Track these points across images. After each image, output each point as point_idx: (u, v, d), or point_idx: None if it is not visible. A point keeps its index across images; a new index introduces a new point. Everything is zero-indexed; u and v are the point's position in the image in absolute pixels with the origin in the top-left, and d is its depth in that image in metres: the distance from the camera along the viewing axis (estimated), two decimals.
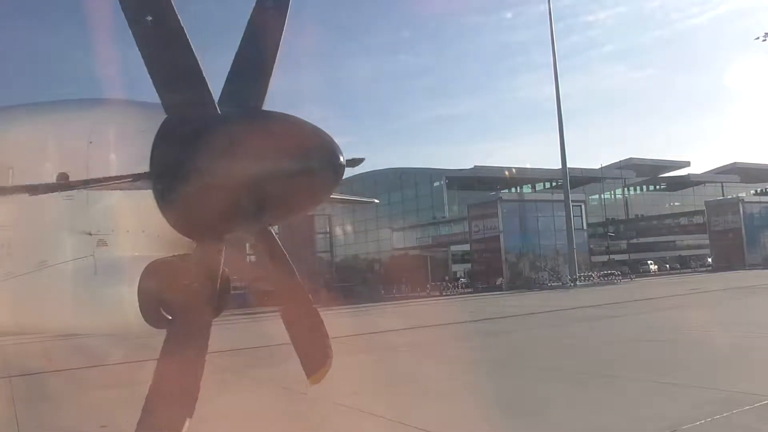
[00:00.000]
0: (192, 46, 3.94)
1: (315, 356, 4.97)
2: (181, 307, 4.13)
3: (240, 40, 4.62)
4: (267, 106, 4.41)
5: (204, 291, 4.12)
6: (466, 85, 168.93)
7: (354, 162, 4.34)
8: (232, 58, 4.57)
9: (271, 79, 4.50)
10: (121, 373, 14.23)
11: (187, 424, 3.83)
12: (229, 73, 4.49)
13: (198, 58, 3.96)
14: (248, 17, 4.69)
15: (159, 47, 3.97)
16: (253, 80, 4.46)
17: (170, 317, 4.20)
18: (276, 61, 4.50)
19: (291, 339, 4.91)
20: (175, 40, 3.93)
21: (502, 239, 60.39)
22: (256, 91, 4.42)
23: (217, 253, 4.26)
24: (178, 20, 3.88)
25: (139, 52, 3.91)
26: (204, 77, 4.01)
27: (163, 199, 4.04)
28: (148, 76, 3.93)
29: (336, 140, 4.00)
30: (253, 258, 4.89)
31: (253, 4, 4.71)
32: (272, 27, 4.56)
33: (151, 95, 4.06)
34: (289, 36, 4.69)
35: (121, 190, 4.10)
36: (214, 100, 4.09)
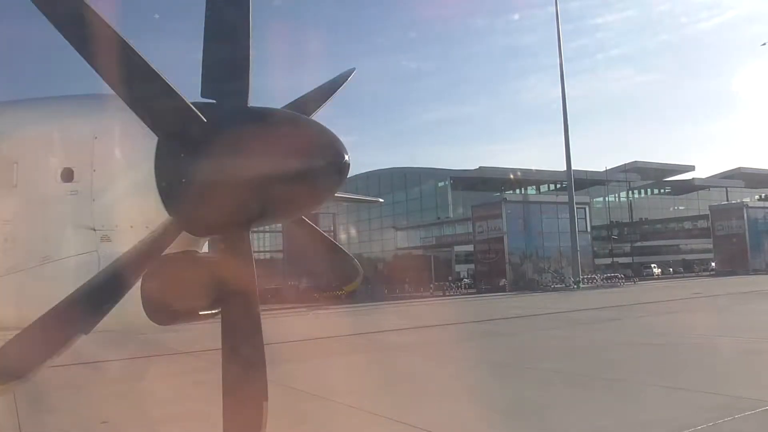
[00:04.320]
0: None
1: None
2: (234, 298, 4.15)
3: (204, 31, 4.56)
4: (272, 104, 4.40)
5: (206, 289, 4.12)
6: (472, 86, 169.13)
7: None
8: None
9: (251, 76, 4.48)
10: (123, 369, 14.27)
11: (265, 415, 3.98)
12: (203, 66, 4.45)
13: (157, 70, 3.84)
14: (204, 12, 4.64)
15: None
16: (233, 74, 4.45)
17: (219, 309, 4.24)
18: (250, 56, 4.49)
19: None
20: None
21: (505, 240, 60.39)
22: (238, 89, 4.41)
23: (221, 251, 4.25)
24: (122, 39, 3.61)
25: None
26: (174, 90, 3.91)
27: (167, 196, 4.03)
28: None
29: (341, 139, 4.00)
30: (255, 257, 4.87)
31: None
32: (235, 21, 4.55)
33: None
34: (296, 36, 4.68)
35: (125, 185, 4.11)
36: (196, 113, 4.04)
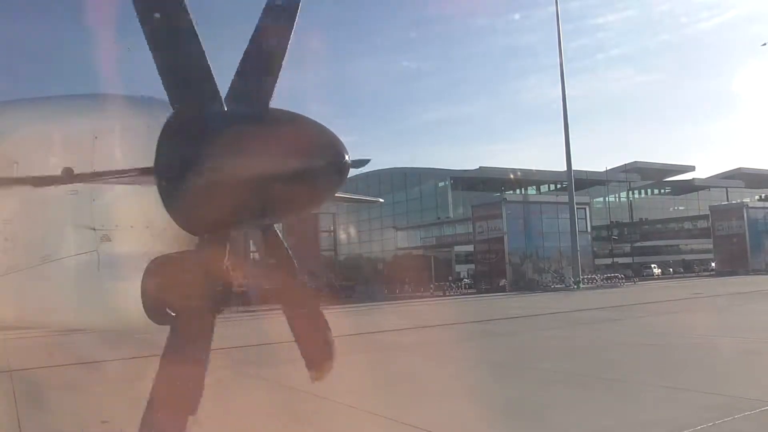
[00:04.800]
0: (201, 43, 3.95)
1: (317, 354, 4.90)
2: (184, 304, 4.13)
3: (250, 38, 4.61)
4: (273, 104, 4.40)
5: (207, 288, 4.12)
6: (472, 86, 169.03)
7: (359, 163, 4.35)
8: (241, 55, 4.56)
9: (279, 78, 4.48)
10: (123, 368, 14.25)
11: (189, 422, 3.81)
12: (237, 70, 4.47)
13: (206, 55, 3.96)
14: (258, 15, 4.67)
15: (168, 44, 3.97)
16: (260, 78, 4.44)
17: (173, 314, 4.19)
18: (284, 60, 4.49)
19: (294, 335, 4.86)
20: (185, 37, 3.93)
21: (506, 240, 60.37)
22: (263, 89, 4.40)
23: (220, 250, 4.26)
24: (189, 16, 3.88)
25: (147, 48, 3.91)
26: (212, 74, 4.02)
27: (167, 195, 4.04)
28: (155, 71, 3.93)
29: (341, 139, 4.01)
30: (255, 255, 4.89)
31: (264, 4, 4.69)
32: (281, 26, 4.56)
33: (156, 91, 4.07)
34: (296, 35, 4.68)
35: (124, 184, 4.11)
36: (221, 97, 4.10)
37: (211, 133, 3.95)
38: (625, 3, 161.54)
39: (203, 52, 3.96)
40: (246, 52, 4.53)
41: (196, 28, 3.91)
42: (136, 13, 3.86)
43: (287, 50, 4.49)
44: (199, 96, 4.06)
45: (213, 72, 4.03)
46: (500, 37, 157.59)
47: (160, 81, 3.93)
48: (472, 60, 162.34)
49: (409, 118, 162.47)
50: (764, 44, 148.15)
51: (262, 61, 4.49)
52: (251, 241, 4.96)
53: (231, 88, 4.38)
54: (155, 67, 3.95)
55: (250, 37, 4.60)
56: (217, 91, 4.08)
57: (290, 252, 4.84)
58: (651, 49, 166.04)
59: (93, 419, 9.36)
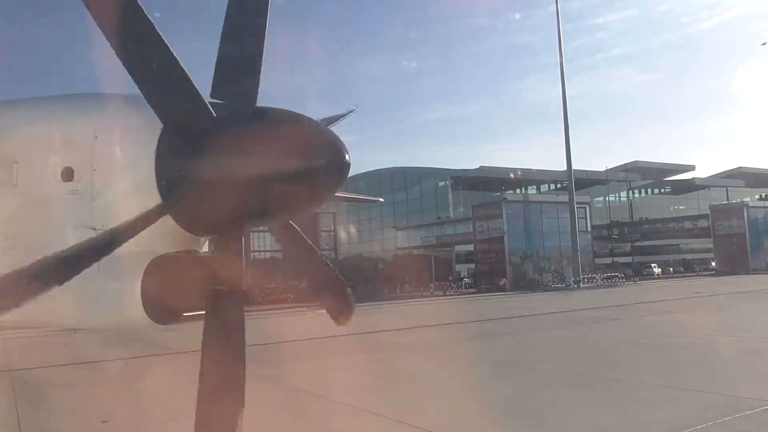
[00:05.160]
0: (169, 47, 3.81)
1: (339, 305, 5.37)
2: (216, 300, 4.14)
3: (221, 34, 4.57)
4: (273, 104, 4.40)
5: (206, 288, 4.12)
6: (472, 85, 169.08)
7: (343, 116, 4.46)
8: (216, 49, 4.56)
9: (265, 74, 4.49)
10: (123, 368, 14.27)
11: (241, 416, 3.87)
12: (216, 70, 4.45)
13: (178, 59, 3.84)
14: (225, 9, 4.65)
15: (136, 53, 3.83)
16: (243, 77, 4.44)
17: (203, 311, 4.21)
18: (263, 55, 4.49)
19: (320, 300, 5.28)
20: (152, 45, 3.76)
21: (506, 240, 60.45)
22: (248, 88, 4.40)
23: (220, 250, 4.25)
24: (152, 25, 3.70)
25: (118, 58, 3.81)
26: (190, 80, 3.90)
27: (168, 195, 4.03)
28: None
29: (341, 139, 4.00)
30: (254, 256, 4.91)
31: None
32: (254, 20, 4.56)
33: None
34: (296, 35, 4.69)
35: (126, 188, 4.11)
36: (206, 104, 4.00)
37: (211, 132, 3.95)
38: (626, 3, 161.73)
39: (173, 56, 3.83)
40: (221, 51, 4.51)
41: (159, 32, 3.78)
42: (99, 29, 3.68)
43: (264, 43, 4.46)
44: (183, 105, 3.97)
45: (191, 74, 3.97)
46: (500, 37, 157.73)
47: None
48: (472, 60, 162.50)
49: (409, 117, 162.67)
50: (764, 44, 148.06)
51: (242, 56, 4.48)
52: (275, 239, 5.12)
53: (213, 89, 4.38)
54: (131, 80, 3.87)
55: (222, 31, 4.60)
56: (200, 98, 3.96)
57: (312, 244, 5.00)
58: (651, 49, 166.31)
59: (93, 419, 9.36)
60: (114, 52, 3.76)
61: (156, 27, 3.71)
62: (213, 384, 3.98)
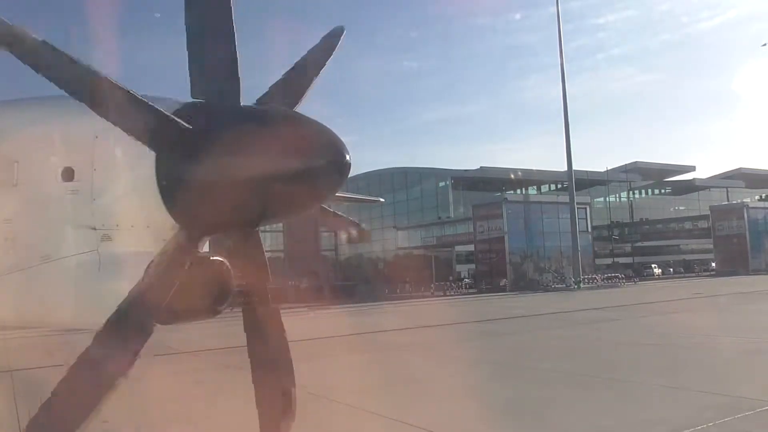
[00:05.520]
0: (236, 45, 4.11)
1: (274, 409, 4.86)
2: (200, 303, 4.21)
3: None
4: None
5: (207, 288, 4.12)
6: (473, 85, 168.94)
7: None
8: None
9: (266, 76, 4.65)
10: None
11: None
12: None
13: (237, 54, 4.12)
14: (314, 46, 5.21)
15: (207, 39, 4.23)
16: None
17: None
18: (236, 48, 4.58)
19: (253, 382, 4.78)
20: (224, 35, 4.18)
21: (506, 240, 60.41)
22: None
23: (221, 250, 4.26)
24: (232, 17, 4.17)
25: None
26: (238, 75, 4.18)
27: (168, 195, 4.03)
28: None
29: (342, 139, 4.00)
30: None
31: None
32: (326, 53, 4.94)
33: (155, 90, 4.07)
34: (296, 35, 4.75)
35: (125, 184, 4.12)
36: (239, 97, 4.23)
37: (212, 132, 3.95)
38: (626, 3, 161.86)
39: (235, 50, 4.12)
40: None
41: (235, 29, 4.08)
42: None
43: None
44: (222, 93, 4.16)
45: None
46: (501, 37, 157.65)
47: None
48: (472, 60, 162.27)
49: (409, 117, 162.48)
50: (764, 44, 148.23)
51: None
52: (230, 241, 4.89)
53: (192, 88, 4.41)
54: (187, 55, 4.22)
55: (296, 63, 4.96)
56: (239, 91, 4.22)
57: (266, 258, 4.81)
58: (651, 49, 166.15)
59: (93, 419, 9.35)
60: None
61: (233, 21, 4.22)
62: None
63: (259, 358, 4.45)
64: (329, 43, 5.38)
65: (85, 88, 3.62)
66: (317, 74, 5.04)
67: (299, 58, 5.11)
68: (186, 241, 4.13)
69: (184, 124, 3.83)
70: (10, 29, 3.37)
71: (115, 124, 3.75)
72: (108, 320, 3.88)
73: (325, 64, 5.16)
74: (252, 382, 4.40)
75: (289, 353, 4.50)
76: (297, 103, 4.70)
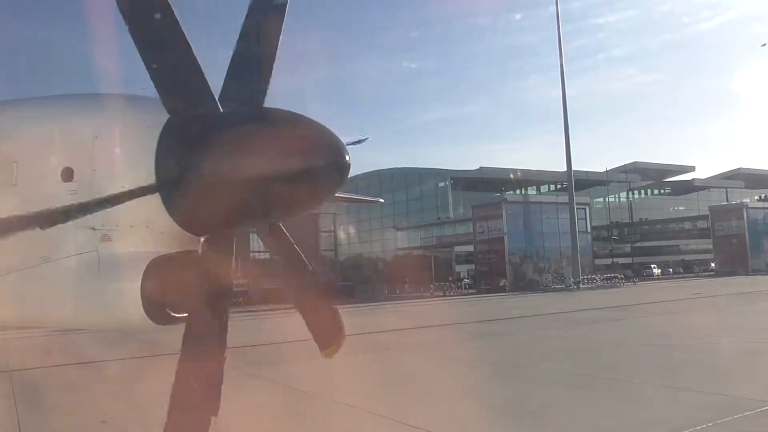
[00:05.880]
0: (190, 43, 3.91)
1: (328, 332, 5.16)
2: (195, 303, 4.13)
3: (237, 37, 4.55)
4: (273, 104, 4.39)
5: (207, 288, 4.12)
6: (473, 86, 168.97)
7: (357, 142, 4.42)
8: (230, 54, 4.52)
9: (272, 76, 4.43)
10: (123, 369, 14.27)
11: (213, 422, 3.83)
12: (228, 70, 4.43)
13: (197, 56, 3.94)
14: (244, 13, 4.60)
15: (157, 46, 3.91)
16: (253, 78, 4.40)
17: (186, 314, 4.19)
18: (276, 57, 4.45)
19: (303, 317, 4.94)
20: (173, 38, 3.87)
21: (506, 241, 60.39)
22: (257, 88, 4.37)
23: (220, 250, 4.26)
24: (175, 16, 3.85)
25: (137, 50, 3.89)
26: (203, 75, 4.00)
27: (167, 195, 4.03)
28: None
29: (341, 139, 4.00)
30: (256, 256, 4.90)
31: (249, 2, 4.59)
32: (270, 23, 4.50)
33: (155, 90, 4.06)
34: (296, 35, 4.68)
35: (129, 200, 4.10)
36: (215, 98, 4.07)
37: (212, 133, 3.95)
38: (626, 3, 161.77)
39: (192, 52, 3.93)
40: (236, 51, 4.48)
41: (182, 27, 3.88)
42: (121, 15, 3.80)
43: (278, 48, 4.44)
44: (192, 98, 4.04)
45: (205, 72, 4.00)
46: (501, 37, 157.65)
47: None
48: (472, 60, 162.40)
49: (409, 118, 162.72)
50: (764, 45, 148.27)
51: (253, 59, 4.46)
52: (260, 240, 4.96)
53: (223, 90, 4.35)
54: (145, 70, 3.91)
55: (238, 35, 4.54)
56: (210, 92, 4.05)
57: (297, 248, 4.86)
58: (652, 49, 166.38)
59: (92, 419, 9.36)
60: (133, 47, 3.83)
61: (177, 17, 3.83)
62: (188, 390, 4.01)
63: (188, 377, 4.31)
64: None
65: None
66: (276, 46, 4.48)
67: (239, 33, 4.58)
68: (188, 241, 4.13)
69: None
70: None
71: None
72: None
73: (281, 30, 4.53)
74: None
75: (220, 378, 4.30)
76: (266, 87, 4.45)
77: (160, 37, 3.89)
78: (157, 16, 3.82)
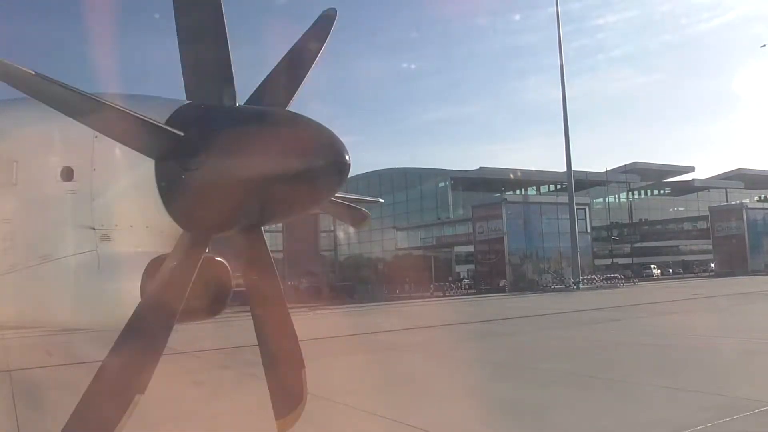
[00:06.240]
0: (228, 45, 4.07)
1: (287, 394, 5.07)
2: (196, 303, 4.19)
3: (293, 45, 4.74)
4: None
5: (206, 288, 4.12)
6: (472, 86, 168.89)
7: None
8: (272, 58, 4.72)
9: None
10: None
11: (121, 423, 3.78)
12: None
13: (230, 55, 4.10)
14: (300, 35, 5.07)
15: (197, 39, 4.16)
16: (288, 84, 4.55)
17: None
18: (307, 76, 4.61)
19: (264, 366, 4.83)
20: (216, 36, 4.11)
21: (506, 241, 60.37)
22: (286, 94, 4.50)
23: (220, 251, 4.26)
24: (223, 16, 4.10)
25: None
26: (232, 75, 4.14)
27: (167, 195, 4.03)
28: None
29: (342, 139, 4.00)
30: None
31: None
32: (321, 35, 4.80)
33: (155, 91, 4.07)
34: (296, 36, 4.73)
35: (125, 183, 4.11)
36: (236, 97, 4.20)
37: (212, 133, 3.95)
38: (626, 4, 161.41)
39: (229, 53, 4.08)
40: (287, 57, 4.65)
41: (227, 29, 4.04)
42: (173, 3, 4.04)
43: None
44: (218, 94, 4.12)
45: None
46: (501, 37, 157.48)
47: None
48: (472, 60, 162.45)
49: (409, 118, 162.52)
50: (763, 45, 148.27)
51: (295, 68, 4.60)
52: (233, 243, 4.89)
53: (257, 90, 4.47)
54: (180, 58, 4.17)
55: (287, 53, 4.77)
56: (234, 92, 4.17)
57: (271, 256, 4.80)
58: (651, 50, 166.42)
59: None
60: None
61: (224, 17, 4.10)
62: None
63: (269, 355, 4.65)
64: (321, 29, 5.28)
65: (82, 110, 3.73)
66: (311, 65, 4.96)
67: (289, 49, 5.04)
68: (192, 242, 4.13)
69: (178, 132, 3.87)
70: (5, 66, 3.37)
71: (114, 138, 3.84)
72: (126, 325, 3.91)
73: (318, 54, 5.06)
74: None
75: (298, 347, 4.76)
76: (290, 98, 4.65)
77: (206, 31, 4.06)
78: (207, 9, 4.02)
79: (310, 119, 4.07)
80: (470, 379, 12.02)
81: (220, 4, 4.17)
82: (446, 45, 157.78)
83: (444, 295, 53.28)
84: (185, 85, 4.27)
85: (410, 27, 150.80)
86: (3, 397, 11.16)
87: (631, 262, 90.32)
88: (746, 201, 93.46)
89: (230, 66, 4.25)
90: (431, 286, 56.94)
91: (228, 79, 4.26)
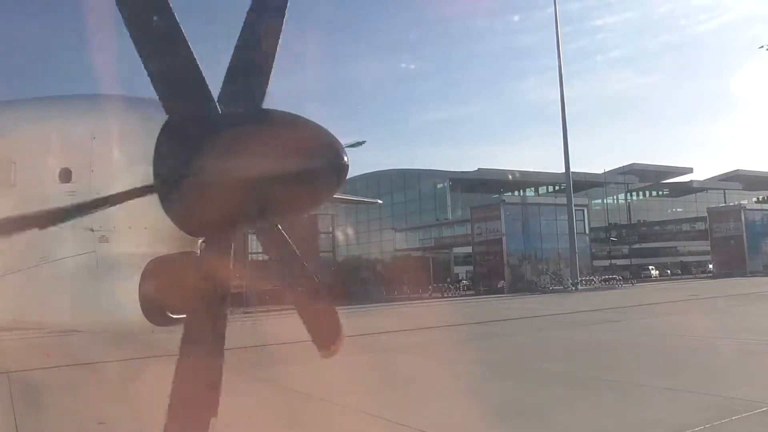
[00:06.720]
0: (189, 45, 3.92)
1: (327, 333, 5.26)
2: (193, 305, 4.12)
3: (237, 38, 4.53)
4: (272, 105, 4.38)
5: (205, 289, 4.11)
6: (471, 87, 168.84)
7: (355, 145, 4.41)
8: (230, 56, 4.50)
9: (271, 77, 4.41)
10: (121, 369, 14.24)
11: (212, 423, 3.80)
12: (227, 71, 4.41)
13: (196, 58, 3.94)
14: (245, 15, 4.57)
15: (157, 47, 3.92)
16: (252, 79, 4.38)
17: (185, 314, 4.17)
18: (274, 59, 4.43)
19: (302, 318, 4.99)
20: (173, 40, 3.90)
21: (504, 242, 60.31)
22: (255, 90, 4.35)
23: (218, 251, 4.25)
24: (175, 19, 3.86)
25: (136, 51, 3.89)
26: (203, 77, 4.00)
27: (165, 196, 4.03)
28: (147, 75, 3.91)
29: (340, 140, 4.00)
30: (253, 258, 4.89)
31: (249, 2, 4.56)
32: (270, 24, 4.48)
33: (153, 92, 4.06)
34: (295, 36, 4.67)
35: (127, 200, 4.08)
36: (214, 100, 4.08)
37: (210, 134, 3.95)
38: (625, 5, 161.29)
39: (192, 54, 3.94)
40: (235, 53, 4.46)
41: (182, 29, 3.88)
42: (121, 17, 3.81)
43: (277, 48, 4.42)
44: (192, 99, 4.03)
45: (205, 74, 4.01)
46: (500, 38, 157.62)
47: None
48: (471, 60, 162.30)
49: (408, 118, 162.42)
50: (762, 47, 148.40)
51: (252, 61, 4.45)
52: (258, 242, 4.94)
53: (222, 90, 4.33)
54: (145, 72, 3.91)
55: (237, 36, 4.51)
56: (209, 94, 4.06)
57: (296, 249, 4.85)
58: (650, 51, 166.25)
59: (90, 421, 9.34)
60: (133, 47, 3.83)
61: (177, 19, 3.86)
62: (187, 391, 3.97)
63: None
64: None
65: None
66: (276, 46, 4.45)
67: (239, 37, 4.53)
68: (187, 242, 4.13)
69: (178, 133, 3.86)
70: None
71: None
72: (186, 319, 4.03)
73: (280, 30, 4.50)
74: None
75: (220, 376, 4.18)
76: (263, 93, 4.44)
77: (160, 38, 3.90)
78: (157, 17, 3.83)
79: (308, 120, 4.07)
80: (470, 380, 12.02)
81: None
82: (445, 45, 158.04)
83: (442, 296, 53.22)
84: (160, 99, 4.09)
85: (409, 27, 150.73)
86: (1, 398, 11.14)
87: (629, 263, 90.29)
88: (744, 202, 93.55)
89: (198, 70, 4.08)
90: (430, 287, 56.87)
91: (261, 82, 4.28)
